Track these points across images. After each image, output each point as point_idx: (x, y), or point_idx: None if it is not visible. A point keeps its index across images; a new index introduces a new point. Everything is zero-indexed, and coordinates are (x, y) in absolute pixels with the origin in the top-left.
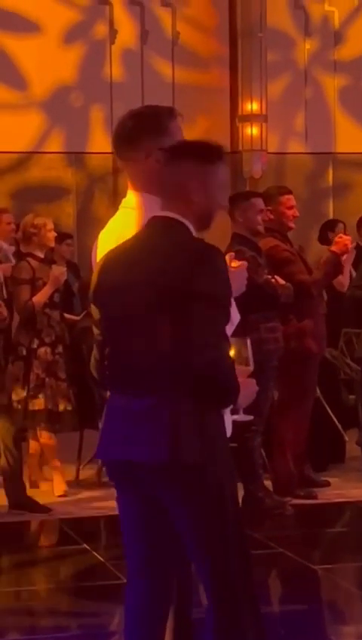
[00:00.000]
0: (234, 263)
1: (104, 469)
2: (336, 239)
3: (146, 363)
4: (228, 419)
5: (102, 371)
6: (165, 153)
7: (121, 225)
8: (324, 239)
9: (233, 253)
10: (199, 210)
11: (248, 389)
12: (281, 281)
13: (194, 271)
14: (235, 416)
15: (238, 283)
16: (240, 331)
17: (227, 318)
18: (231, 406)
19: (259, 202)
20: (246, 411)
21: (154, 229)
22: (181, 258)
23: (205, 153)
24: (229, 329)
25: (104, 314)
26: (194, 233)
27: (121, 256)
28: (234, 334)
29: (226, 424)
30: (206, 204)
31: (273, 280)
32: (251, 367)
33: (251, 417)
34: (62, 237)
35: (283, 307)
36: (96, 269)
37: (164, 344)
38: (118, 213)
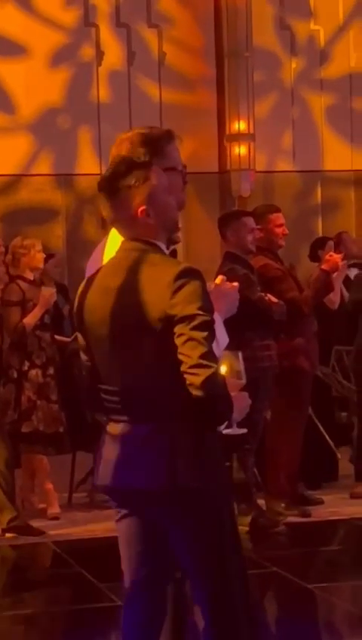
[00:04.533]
0: (226, 285)
1: (97, 491)
2: (327, 257)
3: (138, 389)
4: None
5: (94, 397)
6: (98, 188)
7: None
8: (315, 257)
9: (224, 276)
10: (159, 226)
11: (241, 402)
12: (274, 299)
13: (172, 295)
14: (228, 430)
15: (230, 304)
16: (234, 347)
17: (212, 336)
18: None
19: (250, 221)
20: (240, 425)
21: (127, 255)
22: (158, 283)
23: (136, 176)
24: (217, 351)
25: (90, 341)
26: (165, 248)
27: (101, 282)
28: (226, 348)
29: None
30: (162, 217)
31: (266, 298)
32: (243, 381)
33: (245, 430)
34: (46, 257)
35: (276, 325)
36: (78, 294)
37: (153, 370)
38: None
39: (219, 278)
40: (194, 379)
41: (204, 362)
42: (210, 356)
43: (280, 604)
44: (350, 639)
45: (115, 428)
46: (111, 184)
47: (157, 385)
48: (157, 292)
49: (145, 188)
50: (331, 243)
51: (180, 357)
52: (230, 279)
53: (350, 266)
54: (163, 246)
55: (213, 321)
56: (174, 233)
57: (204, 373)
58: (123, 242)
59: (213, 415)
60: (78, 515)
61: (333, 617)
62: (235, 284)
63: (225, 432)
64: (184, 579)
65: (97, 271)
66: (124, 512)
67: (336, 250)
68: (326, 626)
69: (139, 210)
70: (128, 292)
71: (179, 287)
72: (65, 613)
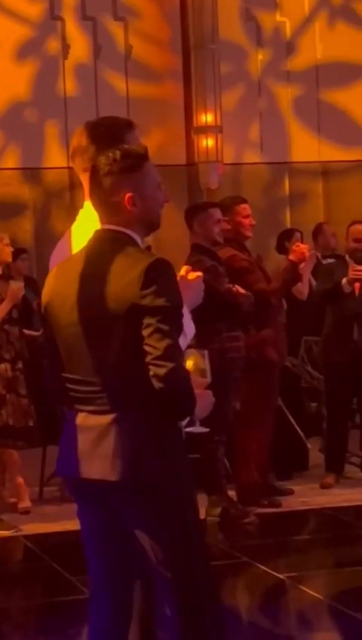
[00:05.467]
0: (191, 275)
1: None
2: (294, 247)
3: (101, 380)
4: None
5: (59, 386)
6: (90, 171)
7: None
8: (282, 249)
9: (190, 266)
10: (141, 218)
11: (205, 400)
12: (242, 290)
13: (142, 286)
14: (191, 428)
15: (195, 295)
16: (202, 341)
17: (179, 330)
18: (188, 418)
19: (217, 212)
20: (205, 422)
21: (99, 244)
22: (129, 274)
23: (130, 163)
24: (183, 342)
25: (56, 331)
26: (140, 241)
27: (70, 272)
28: (193, 345)
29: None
30: (147, 209)
31: (234, 289)
32: (208, 379)
33: (207, 429)
34: (17, 252)
35: (244, 316)
36: (46, 286)
37: (118, 360)
38: (85, 206)
39: (184, 269)
40: (158, 370)
41: (169, 355)
42: (175, 349)
43: (251, 594)
44: (321, 628)
45: (78, 418)
46: (101, 166)
47: (123, 374)
48: (128, 282)
49: (136, 180)
50: (298, 234)
51: (146, 348)
52: (197, 270)
53: (327, 257)
54: (138, 239)
55: (181, 314)
56: (154, 230)
57: (169, 366)
58: (96, 232)
59: (175, 408)
60: (49, 509)
61: (304, 606)
62: (199, 273)
63: (187, 430)
64: (150, 571)
65: (67, 259)
66: (85, 504)
67: (315, 240)
68: (298, 615)
69: (125, 199)
70: (98, 281)
71: (150, 279)
72: (37, 606)
